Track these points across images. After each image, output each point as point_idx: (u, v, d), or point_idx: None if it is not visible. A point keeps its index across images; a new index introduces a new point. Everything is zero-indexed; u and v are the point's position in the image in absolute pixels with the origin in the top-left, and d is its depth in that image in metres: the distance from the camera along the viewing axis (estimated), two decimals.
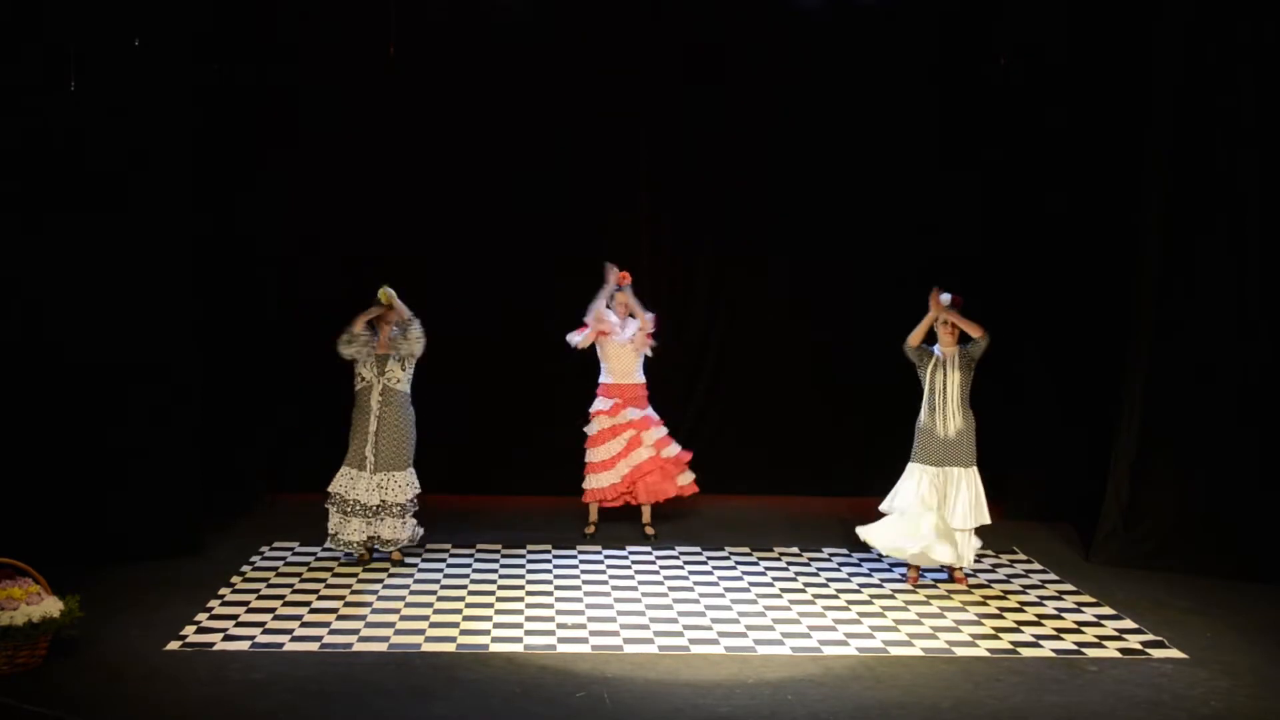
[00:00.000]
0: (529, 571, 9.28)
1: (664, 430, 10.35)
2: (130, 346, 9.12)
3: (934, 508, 8.97)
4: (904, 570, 9.28)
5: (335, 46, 11.06)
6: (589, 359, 10.37)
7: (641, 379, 10.29)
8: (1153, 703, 7.05)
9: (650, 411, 10.31)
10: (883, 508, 9.22)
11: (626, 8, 11.29)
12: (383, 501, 9.21)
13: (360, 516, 9.19)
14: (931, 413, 9.05)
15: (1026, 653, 7.80)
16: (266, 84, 10.84)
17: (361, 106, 11.23)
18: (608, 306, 10.21)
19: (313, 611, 8.26)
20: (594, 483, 10.20)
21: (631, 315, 10.24)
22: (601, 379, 10.28)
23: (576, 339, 10.19)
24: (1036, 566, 9.67)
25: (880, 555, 9.52)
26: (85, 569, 8.51)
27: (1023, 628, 8.24)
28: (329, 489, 9.30)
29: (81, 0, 8.87)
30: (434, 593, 8.69)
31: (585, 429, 10.30)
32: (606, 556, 9.72)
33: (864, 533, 9.21)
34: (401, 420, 9.26)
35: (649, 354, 10.28)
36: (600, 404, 10.25)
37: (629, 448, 10.16)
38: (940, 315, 9.06)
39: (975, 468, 9.05)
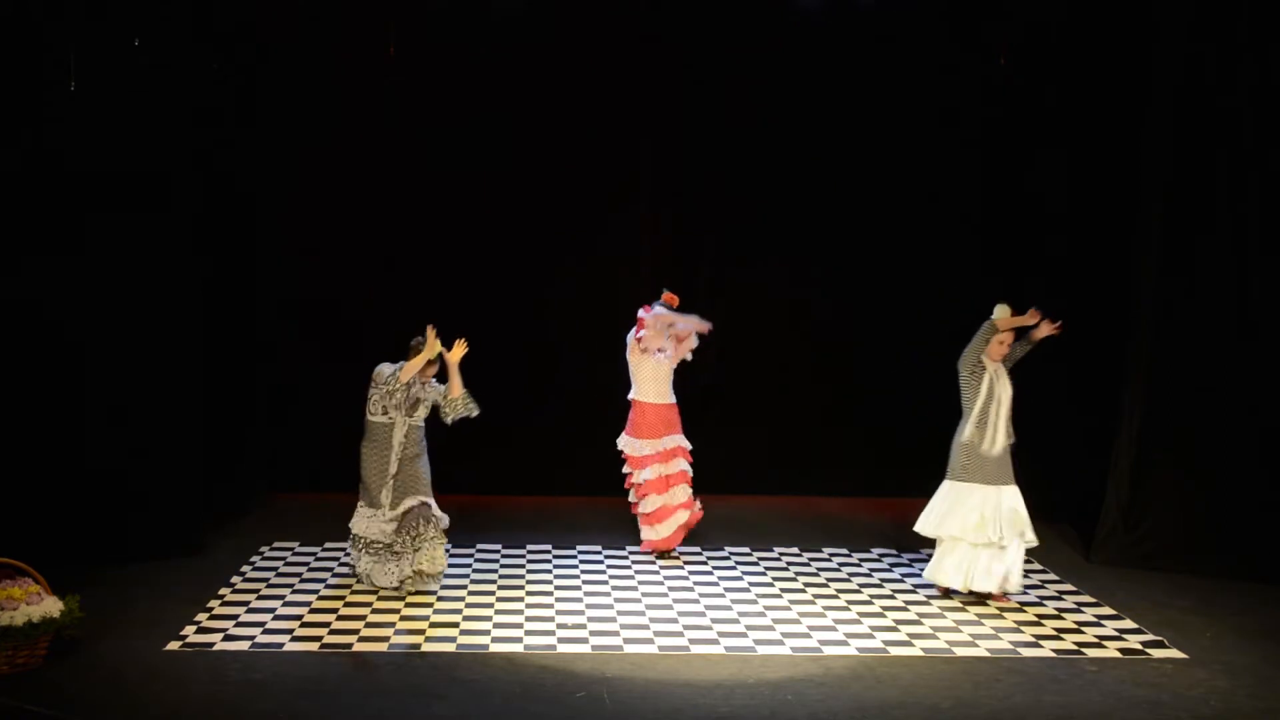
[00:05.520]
0: (529, 571, 9.28)
1: (687, 463, 9.84)
2: (131, 346, 9.12)
3: (994, 531, 8.58)
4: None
5: (335, 46, 11.07)
6: (591, 357, 10.34)
7: (674, 398, 9.80)
8: (1153, 703, 7.05)
9: (682, 437, 9.81)
10: (931, 532, 8.79)
11: (627, 7, 11.28)
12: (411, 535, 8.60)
13: (390, 556, 8.62)
14: (982, 428, 8.63)
15: (1026, 653, 7.80)
16: (266, 83, 10.83)
17: (361, 106, 11.22)
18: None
19: (313, 611, 8.26)
20: (657, 533, 9.68)
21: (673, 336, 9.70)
22: (637, 396, 9.70)
23: (656, 347, 9.57)
24: (1036, 566, 9.66)
25: (950, 590, 8.90)
26: (85, 569, 8.51)
27: (1023, 628, 8.24)
28: (352, 528, 8.73)
29: (81, 1, 8.88)
30: (434, 592, 8.69)
31: (635, 476, 9.72)
32: (606, 556, 9.72)
33: (932, 573, 8.80)
34: (422, 452, 8.77)
35: (687, 358, 9.80)
36: (644, 447, 9.65)
37: (678, 480, 9.73)
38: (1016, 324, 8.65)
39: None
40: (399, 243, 11.28)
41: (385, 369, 8.69)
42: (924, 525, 8.86)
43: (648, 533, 9.69)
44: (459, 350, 8.70)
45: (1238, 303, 9.48)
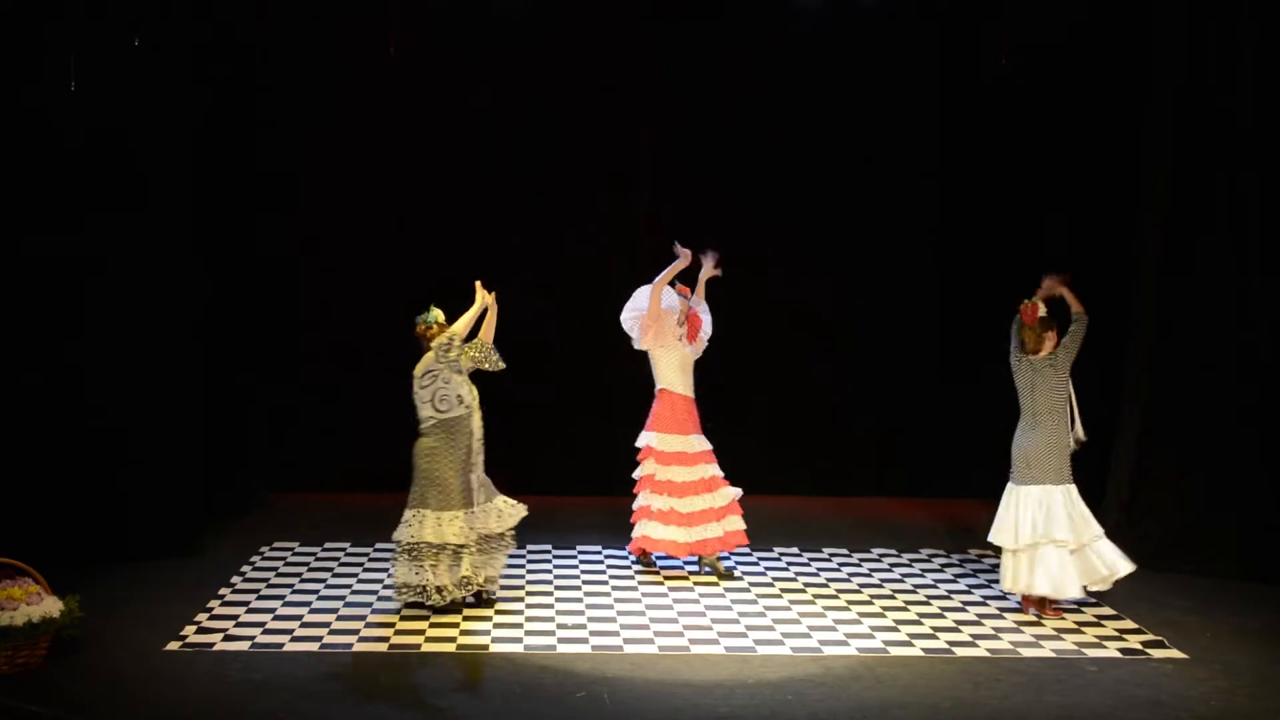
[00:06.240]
0: (529, 571, 9.28)
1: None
2: (131, 346, 9.13)
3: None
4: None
5: (334, 45, 11.08)
6: (591, 356, 10.32)
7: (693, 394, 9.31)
8: (1153, 703, 7.05)
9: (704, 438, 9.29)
10: (1031, 539, 8.25)
11: (627, 6, 11.28)
12: (499, 534, 8.35)
13: (460, 556, 8.14)
14: (1072, 423, 8.36)
15: (1026, 653, 7.80)
16: (267, 82, 10.84)
17: (361, 104, 11.23)
18: (676, 290, 9.25)
19: (313, 611, 8.26)
20: (668, 535, 9.09)
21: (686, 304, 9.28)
22: (667, 387, 9.19)
23: (636, 332, 9.09)
24: None
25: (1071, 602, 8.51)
26: (85, 569, 8.50)
27: (1023, 628, 8.24)
28: (403, 540, 8.11)
29: (81, 1, 8.88)
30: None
31: (647, 469, 9.20)
32: (606, 557, 9.72)
33: (1057, 587, 8.23)
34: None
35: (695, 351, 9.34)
36: (672, 443, 9.11)
37: (708, 488, 9.16)
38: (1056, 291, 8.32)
39: None
40: (398, 243, 11.28)
41: (429, 354, 8.16)
42: (1059, 532, 8.22)
43: (674, 533, 9.02)
44: (490, 299, 8.42)
45: (1238, 303, 9.48)
